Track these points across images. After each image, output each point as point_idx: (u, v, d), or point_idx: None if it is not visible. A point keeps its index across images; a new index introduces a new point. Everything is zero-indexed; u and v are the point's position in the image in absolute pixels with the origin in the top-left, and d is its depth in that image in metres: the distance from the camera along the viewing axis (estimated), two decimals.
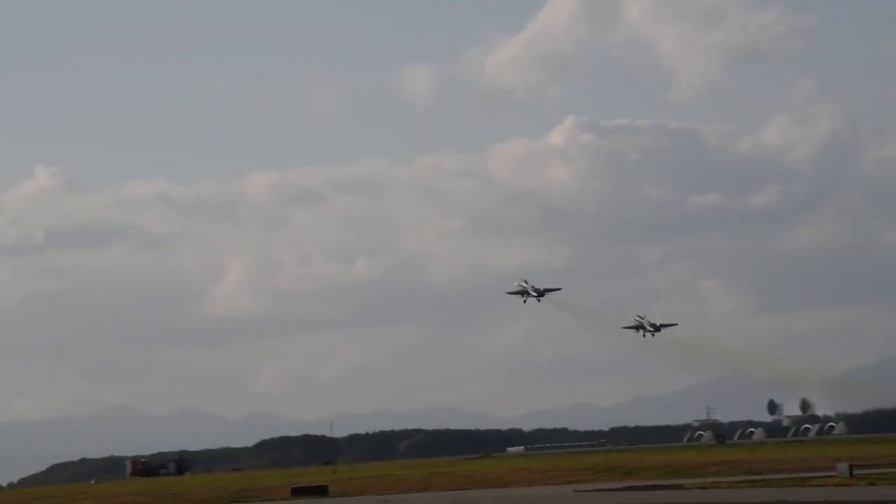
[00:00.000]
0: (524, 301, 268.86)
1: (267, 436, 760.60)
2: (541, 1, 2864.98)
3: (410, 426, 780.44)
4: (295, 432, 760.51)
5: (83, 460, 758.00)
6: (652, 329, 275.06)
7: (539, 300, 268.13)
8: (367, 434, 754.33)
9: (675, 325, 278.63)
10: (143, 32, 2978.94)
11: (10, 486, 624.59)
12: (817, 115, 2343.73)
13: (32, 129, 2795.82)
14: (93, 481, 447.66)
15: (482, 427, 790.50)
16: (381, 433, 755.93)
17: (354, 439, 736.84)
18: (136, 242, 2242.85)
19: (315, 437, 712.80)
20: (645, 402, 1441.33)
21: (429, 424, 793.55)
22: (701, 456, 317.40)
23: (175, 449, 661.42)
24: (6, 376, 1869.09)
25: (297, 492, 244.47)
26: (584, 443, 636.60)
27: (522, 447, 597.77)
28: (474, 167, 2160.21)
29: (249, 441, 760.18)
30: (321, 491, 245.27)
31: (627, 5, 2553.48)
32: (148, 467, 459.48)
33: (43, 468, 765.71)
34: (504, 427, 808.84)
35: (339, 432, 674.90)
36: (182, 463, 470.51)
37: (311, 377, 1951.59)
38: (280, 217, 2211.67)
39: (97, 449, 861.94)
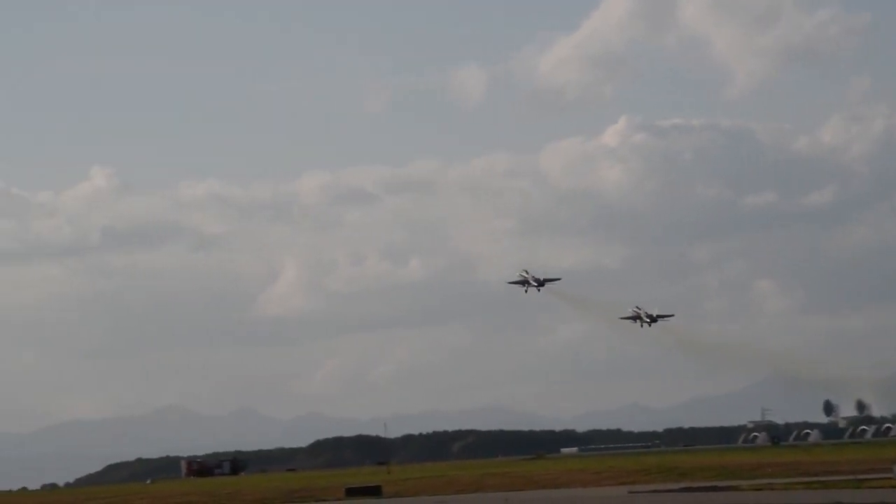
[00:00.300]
0: (525, 291, 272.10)
1: (321, 436, 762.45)
2: (595, 0, 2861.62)
3: (463, 427, 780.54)
4: (348, 433, 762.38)
5: (139, 460, 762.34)
6: (649, 320, 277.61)
7: (539, 290, 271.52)
8: (420, 435, 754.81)
9: (672, 315, 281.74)
10: (199, 34, 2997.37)
11: (67, 485, 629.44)
12: (872, 113, 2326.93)
13: (88, 130, 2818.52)
14: (148, 481, 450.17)
15: (536, 428, 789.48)
16: (435, 434, 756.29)
17: (408, 440, 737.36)
18: (190, 243, 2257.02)
19: (369, 437, 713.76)
20: (700, 403, 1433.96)
21: (482, 425, 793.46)
22: (756, 457, 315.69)
23: (229, 449, 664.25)
24: (62, 377, 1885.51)
25: (352, 492, 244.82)
26: (639, 444, 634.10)
27: (576, 448, 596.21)
28: (527, 167, 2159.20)
29: (303, 441, 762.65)
30: (375, 491, 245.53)
31: (682, 4, 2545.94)
32: (203, 467, 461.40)
33: (99, 468, 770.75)
34: (558, 428, 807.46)
35: (393, 433, 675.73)
36: (237, 463, 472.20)
37: (364, 377, 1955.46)
38: (333, 217, 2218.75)
39: (152, 449, 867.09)
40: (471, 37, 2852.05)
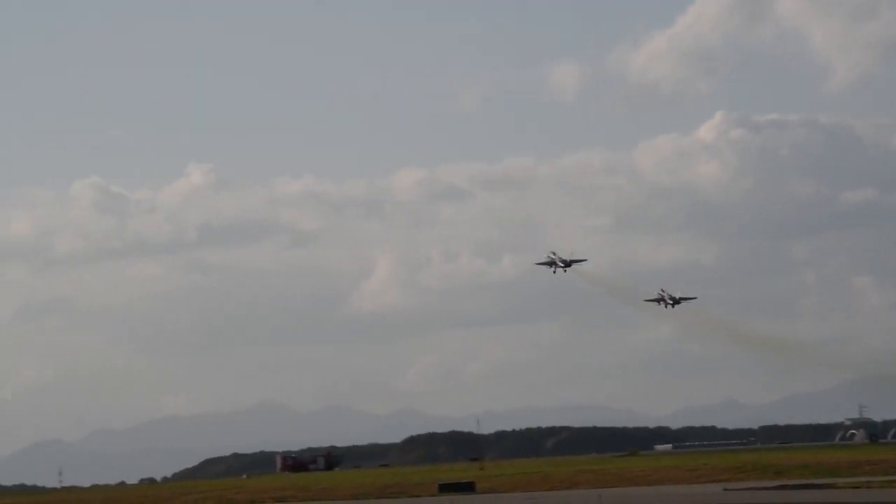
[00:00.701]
0: (553, 272, 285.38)
1: (414, 432, 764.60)
2: None
3: (557, 423, 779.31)
4: (442, 429, 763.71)
5: (235, 455, 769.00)
6: (672, 301, 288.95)
7: (566, 270, 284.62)
8: (513, 431, 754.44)
9: (695, 298, 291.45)
10: (296, 32, 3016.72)
11: (165, 480, 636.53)
12: None
13: (186, 127, 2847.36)
14: (244, 476, 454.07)
15: (629, 425, 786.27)
16: (528, 430, 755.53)
17: (501, 436, 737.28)
18: (286, 239, 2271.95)
19: (462, 433, 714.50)
20: (795, 400, 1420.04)
21: (575, 422, 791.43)
22: (853, 455, 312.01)
23: (324, 445, 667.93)
24: (159, 373, 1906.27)
25: (445, 488, 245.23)
26: (734, 441, 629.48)
27: (670, 445, 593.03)
28: (621, 163, 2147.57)
29: (397, 437, 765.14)
30: (469, 487, 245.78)
31: None
32: (298, 462, 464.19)
33: (195, 463, 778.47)
34: (652, 425, 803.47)
35: (486, 429, 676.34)
36: (331, 459, 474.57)
37: (458, 374, 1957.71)
38: (427, 214, 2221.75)
39: (248, 444, 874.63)
40: (566, 34, 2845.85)
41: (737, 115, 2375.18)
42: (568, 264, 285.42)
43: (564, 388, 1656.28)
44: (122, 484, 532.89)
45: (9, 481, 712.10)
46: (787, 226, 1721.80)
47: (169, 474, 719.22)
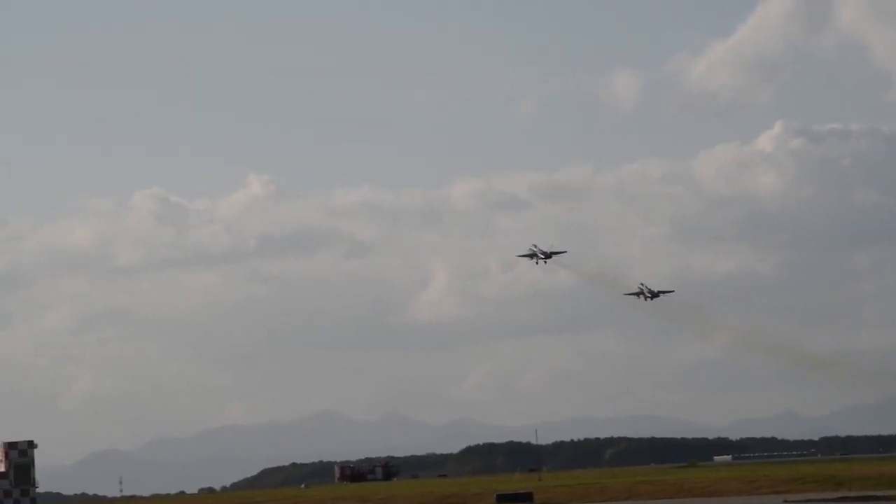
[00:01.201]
0: (536, 263, 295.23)
1: (472, 442, 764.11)
2: (751, 4, 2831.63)
3: (615, 434, 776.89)
4: (499, 439, 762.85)
5: (293, 465, 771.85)
6: (650, 295, 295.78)
7: (546, 262, 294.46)
8: (571, 441, 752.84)
9: (672, 291, 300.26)
10: (353, 42, 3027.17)
11: (224, 489, 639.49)
12: None
13: (246, 138, 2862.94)
14: (303, 485, 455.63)
15: (688, 436, 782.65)
16: (586, 440, 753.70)
17: (559, 446, 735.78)
18: (344, 249, 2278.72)
19: (520, 443, 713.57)
20: (857, 410, 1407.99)
21: (634, 432, 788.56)
22: None
23: (382, 454, 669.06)
24: (219, 382, 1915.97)
25: (503, 498, 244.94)
26: (794, 452, 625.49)
27: (730, 456, 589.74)
28: (680, 173, 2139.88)
29: (454, 447, 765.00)
30: (527, 498, 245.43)
31: (840, 7, 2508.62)
32: (356, 472, 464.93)
33: (254, 472, 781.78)
34: (711, 436, 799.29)
35: (544, 439, 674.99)
36: (389, 468, 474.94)
37: (515, 383, 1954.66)
38: (484, 224, 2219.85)
39: (306, 453, 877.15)
40: (625, 42, 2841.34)
41: (797, 124, 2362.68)
42: (548, 256, 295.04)
43: (623, 399, 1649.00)
44: (182, 493, 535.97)
45: (70, 490, 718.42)
46: (847, 236, 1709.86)
47: (228, 484, 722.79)
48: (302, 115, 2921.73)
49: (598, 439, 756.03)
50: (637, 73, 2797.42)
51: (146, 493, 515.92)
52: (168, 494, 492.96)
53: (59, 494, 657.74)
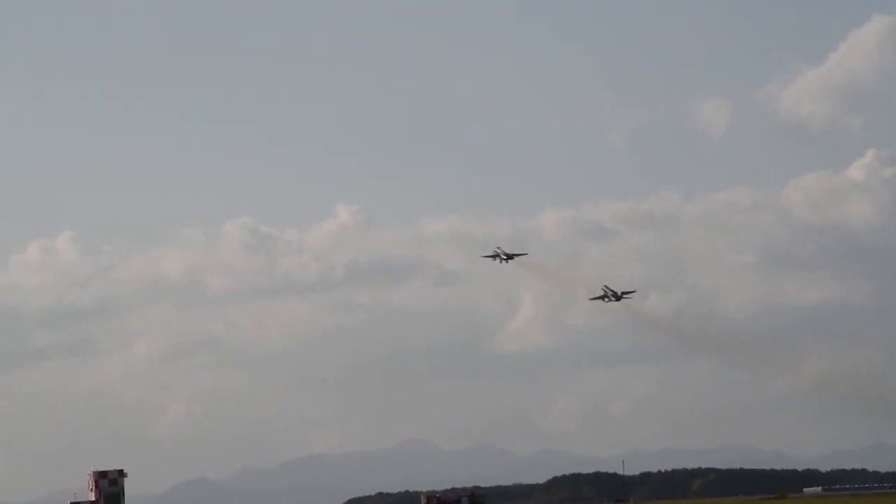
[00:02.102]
0: (500, 263, 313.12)
1: (558, 472, 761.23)
2: (842, 33, 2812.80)
3: (703, 465, 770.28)
4: (586, 469, 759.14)
5: (380, 494, 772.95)
6: (614, 297, 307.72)
7: (507, 262, 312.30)
8: (658, 472, 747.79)
9: (634, 291, 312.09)
10: (435, 72, 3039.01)
11: None
12: None
13: (334, 168, 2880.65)
14: None
15: (778, 467, 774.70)
16: (674, 471, 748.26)
17: (646, 477, 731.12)
18: (432, 279, 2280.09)
19: (607, 474, 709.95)
20: None
21: (723, 463, 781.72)
22: None
23: (468, 484, 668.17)
24: (307, 411, 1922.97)
25: None
26: (885, 484, 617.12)
27: (819, 488, 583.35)
28: (769, 201, 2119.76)
29: (541, 477, 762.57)
30: None
31: None
32: (442, 502, 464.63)
33: (341, 502, 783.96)
34: (800, 467, 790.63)
35: (631, 470, 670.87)
36: (475, 498, 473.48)
37: (602, 413, 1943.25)
38: (572, 253, 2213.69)
39: (393, 483, 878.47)
40: (716, 70, 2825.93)
41: (889, 152, 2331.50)
42: (510, 257, 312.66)
43: (712, 429, 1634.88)
44: None
45: None
46: None
47: None
48: (390, 146, 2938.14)
49: (685, 470, 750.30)
50: (727, 102, 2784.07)
51: None
52: None
53: None
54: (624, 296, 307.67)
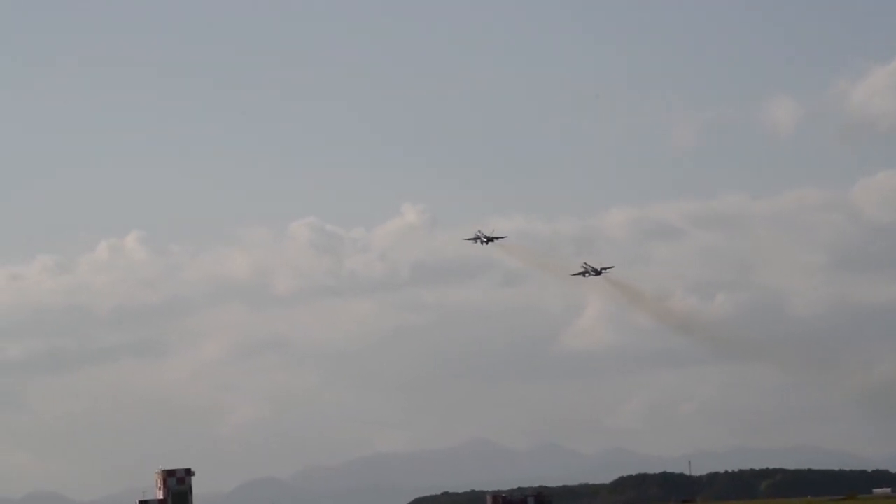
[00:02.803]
0: (481, 244, 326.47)
1: (625, 472, 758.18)
2: None
3: (771, 465, 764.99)
4: (653, 469, 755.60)
5: (445, 494, 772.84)
6: (594, 272, 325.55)
7: (487, 244, 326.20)
8: (726, 473, 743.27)
9: (612, 267, 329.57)
10: (504, 76, 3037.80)
11: None
12: None
13: (400, 168, 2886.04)
14: None
15: (846, 468, 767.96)
16: (741, 472, 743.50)
17: (713, 478, 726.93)
18: (497, 278, 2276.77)
19: (673, 474, 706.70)
20: None
21: (791, 464, 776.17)
22: None
23: (534, 484, 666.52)
24: (373, 410, 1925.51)
25: None
26: None
27: (889, 489, 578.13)
28: (839, 200, 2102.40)
29: (607, 477, 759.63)
30: None
31: None
32: (508, 502, 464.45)
33: (406, 501, 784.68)
34: (870, 468, 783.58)
35: (698, 470, 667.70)
36: (541, 498, 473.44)
37: (670, 413, 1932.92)
38: (639, 252, 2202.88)
39: (458, 483, 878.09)
40: (784, 69, 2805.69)
41: None
42: (490, 239, 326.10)
43: (779, 430, 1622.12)
44: None
45: None
46: None
47: None
48: (456, 144, 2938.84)
49: (753, 470, 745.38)
50: (796, 100, 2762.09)
51: None
52: None
53: None
54: (603, 270, 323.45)
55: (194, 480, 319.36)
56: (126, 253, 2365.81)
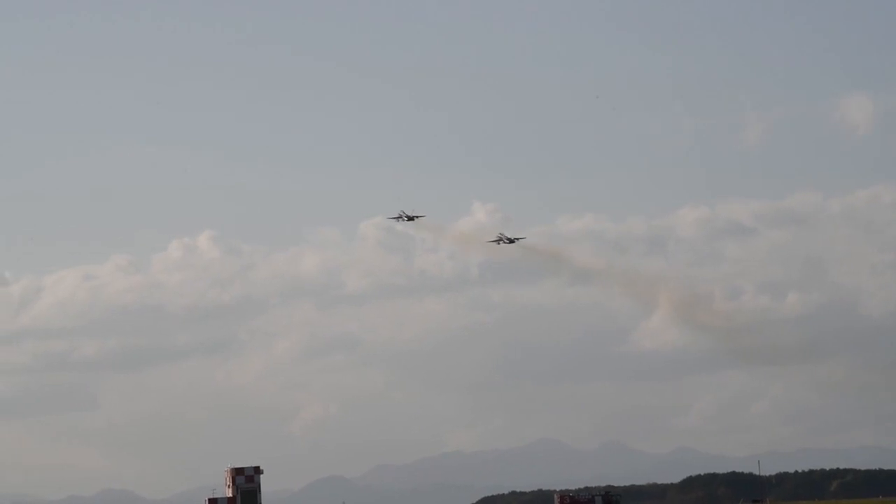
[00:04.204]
0: (402, 222, 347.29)
1: (693, 472, 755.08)
2: None
3: (842, 465, 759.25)
4: (721, 469, 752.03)
5: (513, 493, 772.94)
6: (507, 241, 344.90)
7: (408, 221, 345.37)
8: (795, 473, 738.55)
9: (524, 238, 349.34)
10: (572, 74, 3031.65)
11: None
12: None
13: (471, 167, 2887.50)
14: None
15: None
16: (811, 472, 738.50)
17: (782, 478, 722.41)
18: (567, 277, 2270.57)
19: (742, 474, 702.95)
20: None
21: (861, 464, 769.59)
22: None
23: (601, 483, 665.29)
24: (441, 409, 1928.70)
25: None
26: None
27: None
28: None
29: (675, 477, 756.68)
30: None
31: None
32: (575, 501, 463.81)
33: (474, 500, 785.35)
34: None
35: (767, 470, 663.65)
36: (609, 498, 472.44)
37: (739, 413, 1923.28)
38: (709, 251, 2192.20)
39: (526, 482, 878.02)
40: (859, 66, 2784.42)
41: None
42: (411, 218, 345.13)
43: (850, 430, 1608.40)
44: None
45: None
46: None
47: None
48: (527, 143, 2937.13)
49: (823, 470, 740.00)
50: (872, 97, 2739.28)
51: None
52: None
53: None
54: (517, 240, 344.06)
55: (263, 479, 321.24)
56: (198, 252, 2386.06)
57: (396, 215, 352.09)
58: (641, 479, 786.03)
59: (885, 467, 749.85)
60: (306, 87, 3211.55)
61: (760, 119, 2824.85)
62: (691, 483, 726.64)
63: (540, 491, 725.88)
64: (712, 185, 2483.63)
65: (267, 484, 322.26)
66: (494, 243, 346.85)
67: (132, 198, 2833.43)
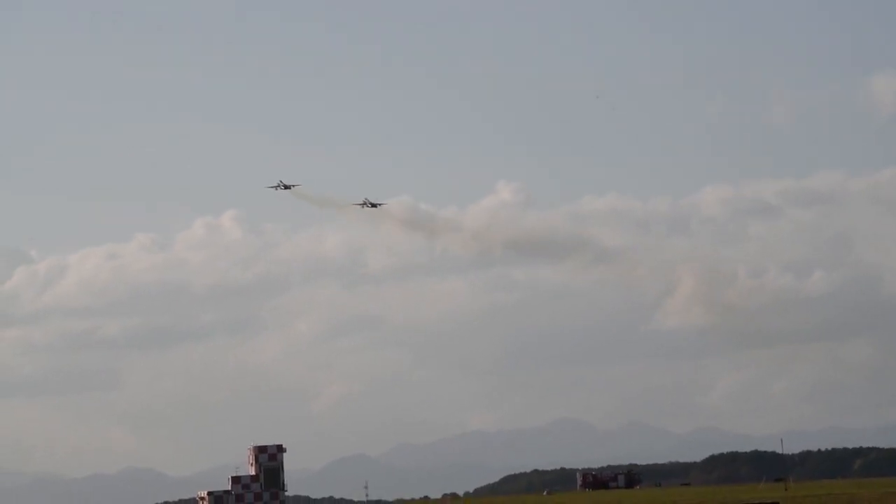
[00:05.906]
0: (279, 190, 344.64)
1: (716, 451, 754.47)
2: None
3: (865, 444, 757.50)
4: (744, 448, 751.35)
5: (535, 472, 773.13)
6: (371, 205, 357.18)
7: (284, 190, 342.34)
8: (819, 451, 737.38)
9: (385, 204, 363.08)
10: (598, 54, 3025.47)
11: (466, 495, 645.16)
12: None
13: (494, 146, 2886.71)
14: (545, 492, 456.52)
15: None
16: (834, 451, 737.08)
17: (806, 456, 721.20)
18: (591, 256, 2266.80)
19: (765, 453, 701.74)
20: None
21: (885, 443, 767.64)
22: None
23: (624, 462, 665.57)
24: (464, 389, 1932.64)
25: None
26: None
27: None
28: None
29: (698, 456, 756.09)
30: None
31: None
32: (598, 480, 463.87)
33: (496, 479, 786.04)
34: None
35: (791, 449, 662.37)
36: (631, 476, 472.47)
37: (762, 392, 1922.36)
38: (734, 230, 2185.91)
39: (548, 461, 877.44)
40: (885, 45, 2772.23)
41: None
42: (287, 187, 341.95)
43: (875, 408, 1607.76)
44: (426, 499, 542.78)
45: (318, 494, 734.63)
46: None
47: (470, 489, 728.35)
48: (551, 123, 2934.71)
49: (846, 449, 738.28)
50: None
51: (390, 497, 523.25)
52: (413, 500, 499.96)
53: (307, 498, 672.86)
54: (379, 205, 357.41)
55: (286, 457, 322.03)
56: (222, 231, 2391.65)
57: (275, 185, 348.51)
58: (664, 458, 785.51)
59: None
60: (330, 66, 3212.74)
61: (785, 98, 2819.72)
62: (714, 462, 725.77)
63: (562, 469, 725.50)
64: (736, 164, 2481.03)
65: (290, 462, 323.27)
66: (358, 206, 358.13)
67: (156, 177, 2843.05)
